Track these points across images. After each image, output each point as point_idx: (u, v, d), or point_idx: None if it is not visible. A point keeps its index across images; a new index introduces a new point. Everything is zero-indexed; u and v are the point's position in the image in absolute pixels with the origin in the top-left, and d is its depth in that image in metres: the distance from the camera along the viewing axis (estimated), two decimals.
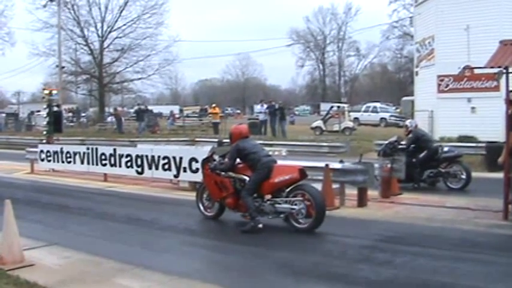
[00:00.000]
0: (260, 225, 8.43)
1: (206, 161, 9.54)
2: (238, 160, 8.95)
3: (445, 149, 13.38)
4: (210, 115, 37.29)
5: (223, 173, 9.01)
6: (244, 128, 9.45)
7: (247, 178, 8.70)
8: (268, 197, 8.65)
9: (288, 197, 8.44)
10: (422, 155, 13.04)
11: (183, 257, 7.34)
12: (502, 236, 8.17)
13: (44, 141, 21.19)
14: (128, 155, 14.59)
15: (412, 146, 13.21)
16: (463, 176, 12.78)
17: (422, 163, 12.98)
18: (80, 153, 16.19)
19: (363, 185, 10.53)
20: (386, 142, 13.53)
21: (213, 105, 35.09)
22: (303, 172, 8.49)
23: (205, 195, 9.71)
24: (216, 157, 9.41)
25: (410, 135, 13.42)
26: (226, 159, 9.03)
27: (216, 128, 32.25)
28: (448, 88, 23.95)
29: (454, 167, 12.98)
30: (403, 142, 13.47)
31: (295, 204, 8.31)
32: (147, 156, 13.97)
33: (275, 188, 8.55)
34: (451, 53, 22.99)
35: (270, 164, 8.65)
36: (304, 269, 6.46)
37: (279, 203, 8.48)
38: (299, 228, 8.32)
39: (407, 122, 14.46)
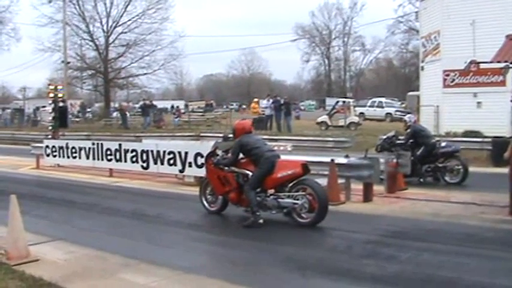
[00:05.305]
0: (261, 221, 8.42)
1: (209, 155, 9.55)
2: (241, 155, 8.94)
3: (443, 144, 13.35)
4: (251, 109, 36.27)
5: (226, 168, 9.01)
6: (247, 123, 9.46)
7: (250, 173, 8.70)
8: (271, 191, 8.65)
9: (291, 192, 8.43)
10: (420, 150, 13.00)
11: (189, 252, 7.35)
12: (508, 231, 8.14)
13: (50, 136, 21.23)
14: (133, 150, 14.61)
15: (410, 141, 13.19)
16: (461, 170, 12.76)
17: (420, 158, 12.95)
18: (85, 148, 16.22)
19: (369, 180, 10.51)
20: (384, 137, 13.62)
21: (255, 99, 33.62)
22: (305, 167, 8.47)
23: (208, 190, 9.71)
24: (219, 152, 9.41)
25: (408, 130, 13.40)
26: (229, 154, 9.04)
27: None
28: (453, 83, 23.83)
29: (451, 161, 12.96)
30: (401, 137, 13.49)
31: (298, 199, 8.29)
32: (152, 151, 13.99)
33: (278, 183, 8.54)
34: (456, 48, 22.86)
35: (273, 159, 8.63)
36: (310, 264, 6.45)
37: (282, 198, 8.46)
38: (302, 223, 8.30)
39: (406, 117, 14.46)
